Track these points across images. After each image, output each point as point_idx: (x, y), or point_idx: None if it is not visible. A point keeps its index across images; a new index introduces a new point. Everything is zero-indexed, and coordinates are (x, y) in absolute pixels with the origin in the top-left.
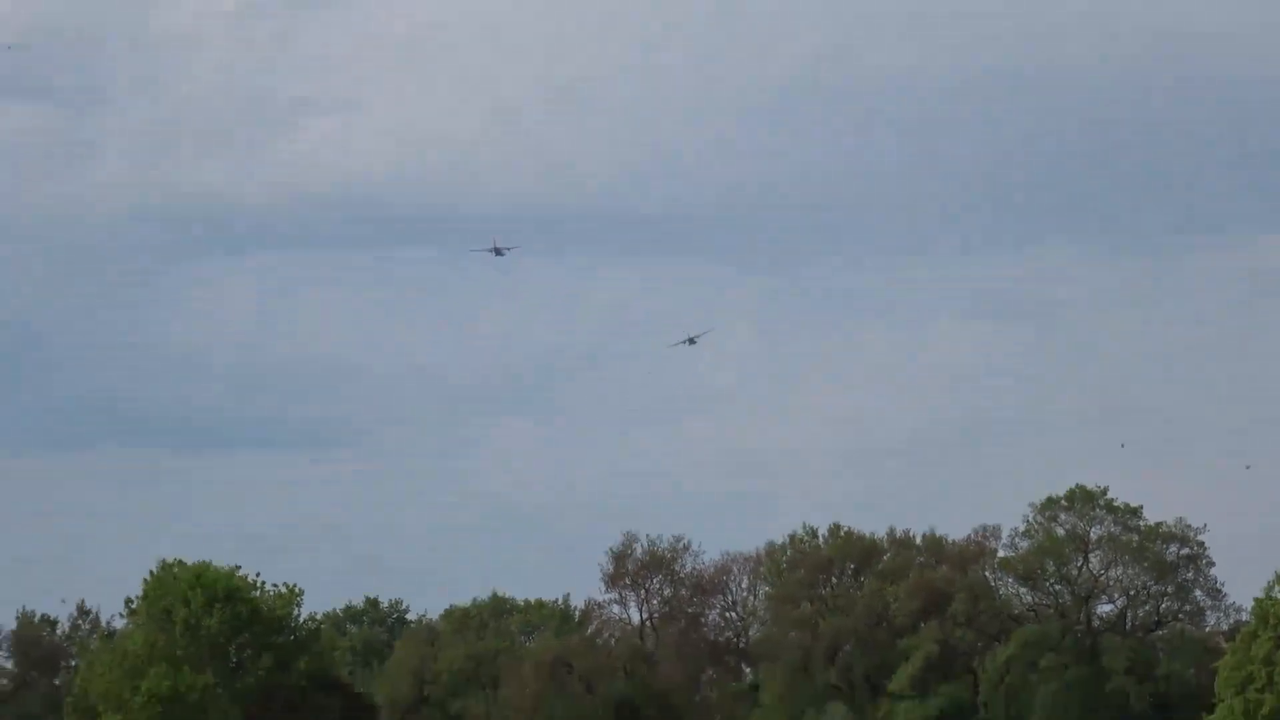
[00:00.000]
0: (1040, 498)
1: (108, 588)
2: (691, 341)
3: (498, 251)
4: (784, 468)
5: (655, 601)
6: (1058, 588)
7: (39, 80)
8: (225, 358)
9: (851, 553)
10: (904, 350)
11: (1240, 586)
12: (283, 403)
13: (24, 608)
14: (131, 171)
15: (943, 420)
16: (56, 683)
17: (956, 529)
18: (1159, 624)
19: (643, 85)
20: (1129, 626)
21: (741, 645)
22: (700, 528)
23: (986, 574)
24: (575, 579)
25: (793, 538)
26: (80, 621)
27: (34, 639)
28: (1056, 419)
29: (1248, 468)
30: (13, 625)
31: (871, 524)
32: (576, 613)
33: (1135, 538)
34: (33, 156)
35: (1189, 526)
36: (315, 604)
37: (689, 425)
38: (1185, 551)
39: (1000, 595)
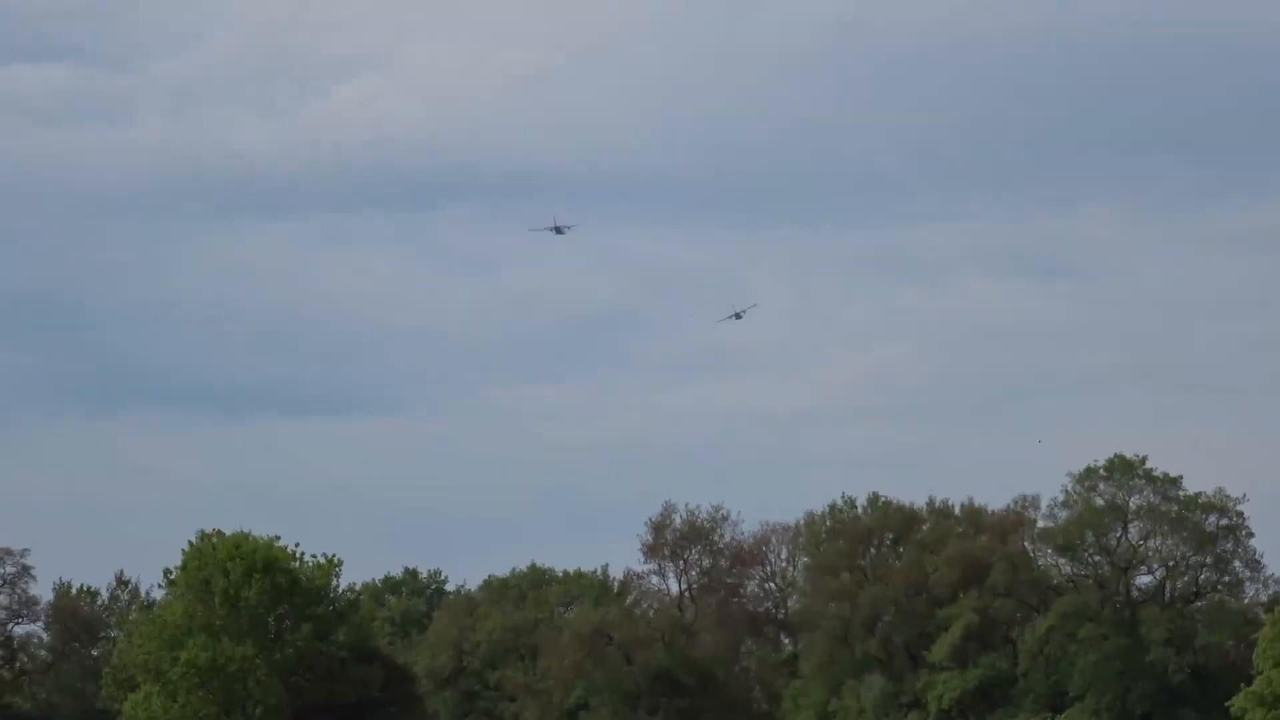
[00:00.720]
0: (1079, 467)
1: (145, 556)
2: (738, 316)
3: (558, 230)
4: (816, 432)
5: (694, 572)
6: (1097, 558)
7: (71, 39)
8: (256, 320)
9: (891, 523)
10: (939, 312)
11: (1279, 558)
12: (314, 367)
13: (61, 578)
14: (162, 131)
15: (978, 384)
16: (95, 654)
17: (995, 498)
18: (1198, 595)
19: (670, 43)
20: (1168, 597)
21: (780, 616)
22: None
23: (1025, 544)
24: (613, 549)
25: (832, 507)
26: (119, 592)
27: (71, 610)
28: (1093, 384)
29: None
30: (50, 596)
31: (910, 493)
32: (615, 583)
33: (1174, 508)
34: (64, 115)
35: (1228, 496)
36: (354, 574)
37: (722, 389)
38: (1224, 522)
39: (1039, 565)
